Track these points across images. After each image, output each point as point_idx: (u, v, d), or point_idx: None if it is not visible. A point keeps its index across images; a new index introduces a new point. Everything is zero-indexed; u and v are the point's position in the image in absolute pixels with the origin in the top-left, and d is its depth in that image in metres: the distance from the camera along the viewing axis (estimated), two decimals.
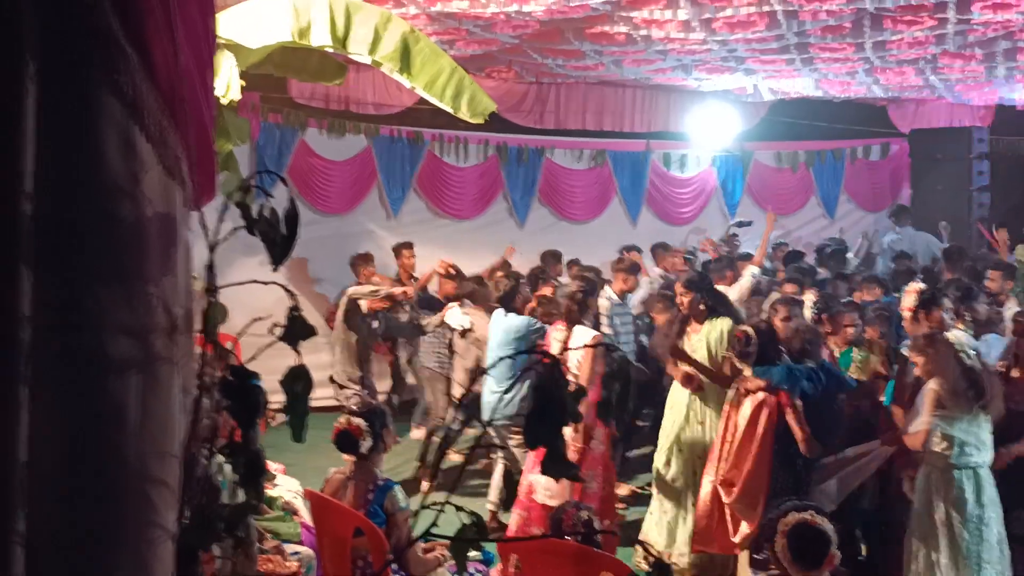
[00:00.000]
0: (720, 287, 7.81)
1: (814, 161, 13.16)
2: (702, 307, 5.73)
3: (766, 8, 6.65)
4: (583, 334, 5.66)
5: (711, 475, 5.07)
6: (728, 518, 4.97)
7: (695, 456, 5.57)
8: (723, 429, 5.03)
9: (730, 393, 5.12)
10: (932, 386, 4.53)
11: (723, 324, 5.66)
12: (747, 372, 4.95)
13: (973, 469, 4.48)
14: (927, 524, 4.50)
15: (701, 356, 5.65)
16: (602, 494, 5.50)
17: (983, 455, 4.52)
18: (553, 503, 5.26)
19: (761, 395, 4.84)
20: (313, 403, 1.62)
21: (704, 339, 5.69)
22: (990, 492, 4.50)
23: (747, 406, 4.88)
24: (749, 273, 7.74)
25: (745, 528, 4.86)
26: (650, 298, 7.52)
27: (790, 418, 4.71)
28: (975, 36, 7.75)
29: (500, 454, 6.44)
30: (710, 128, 11.67)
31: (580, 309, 5.74)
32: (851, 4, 6.53)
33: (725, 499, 4.90)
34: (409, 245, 8.89)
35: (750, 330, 5.04)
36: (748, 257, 8.80)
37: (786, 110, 12.31)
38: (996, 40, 7.93)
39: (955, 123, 12.70)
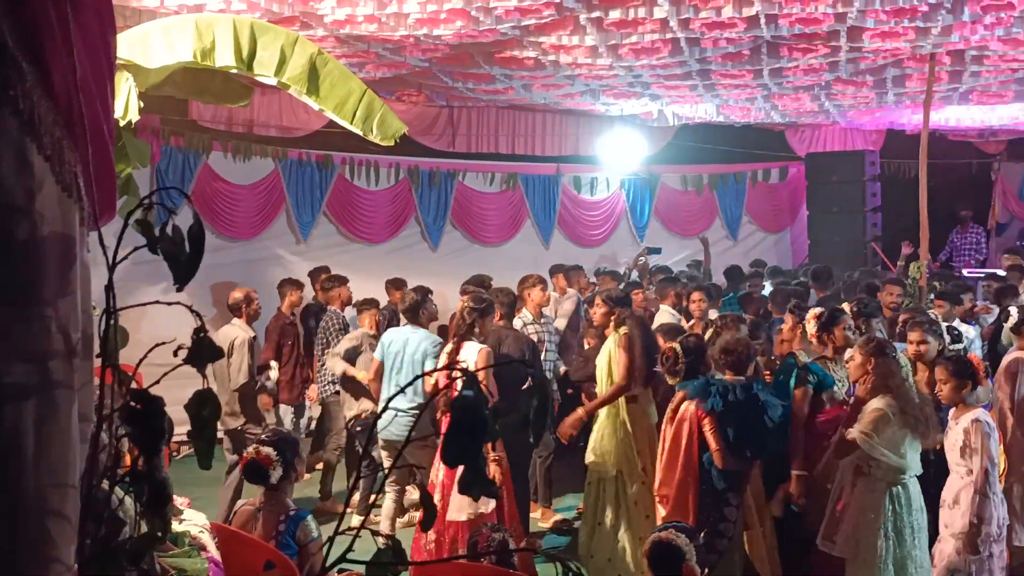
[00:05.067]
0: (665, 306, 7.99)
1: (717, 184, 13.56)
2: (613, 321, 5.82)
3: (669, 35, 6.84)
4: (471, 350, 5.70)
5: (641, 488, 5.16)
6: None
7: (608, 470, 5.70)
8: (660, 444, 5.13)
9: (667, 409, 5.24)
10: (878, 405, 4.65)
11: (614, 336, 5.77)
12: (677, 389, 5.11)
13: (911, 481, 4.70)
14: (871, 535, 4.64)
15: (601, 368, 5.79)
16: (509, 510, 5.52)
17: (917, 468, 4.73)
18: (462, 519, 5.26)
19: (684, 407, 4.96)
20: (222, 435, 1.57)
21: (607, 347, 5.82)
22: (920, 500, 4.72)
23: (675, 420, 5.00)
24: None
25: None
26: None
27: (705, 430, 4.81)
28: (866, 63, 8.13)
29: (391, 478, 6.34)
30: (618, 152, 11.91)
31: (470, 327, 5.77)
32: (749, 32, 6.77)
33: (663, 512, 4.99)
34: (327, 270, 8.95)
35: (678, 347, 5.15)
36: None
37: (690, 134, 12.65)
38: (885, 67, 8.33)
39: (848, 147, 13.28)
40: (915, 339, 5.51)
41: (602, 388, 5.80)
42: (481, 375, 4.95)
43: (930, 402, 4.82)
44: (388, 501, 6.42)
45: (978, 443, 4.55)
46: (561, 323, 8.45)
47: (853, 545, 4.70)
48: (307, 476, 7.66)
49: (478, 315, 5.77)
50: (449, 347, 5.86)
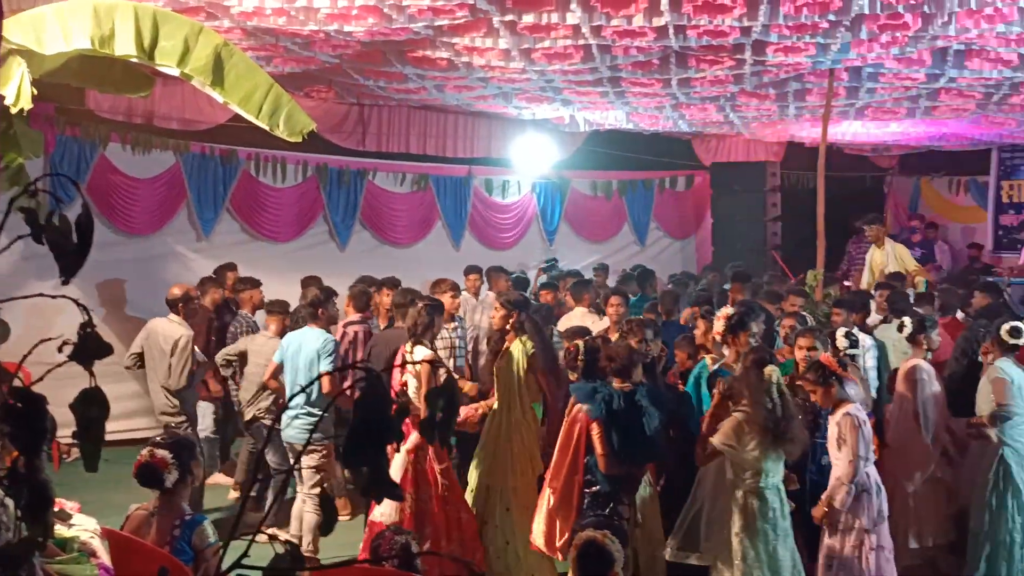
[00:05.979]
0: (581, 308, 8.04)
1: (626, 190, 13.78)
2: (510, 325, 5.85)
3: (581, 41, 6.91)
4: (420, 355, 5.67)
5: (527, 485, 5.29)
6: (557, 524, 5.14)
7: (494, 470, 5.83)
8: (561, 439, 5.19)
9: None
10: (737, 414, 4.78)
11: (524, 343, 5.81)
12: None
13: (769, 489, 4.81)
14: (736, 541, 4.74)
15: (510, 374, 5.83)
16: (446, 514, 5.47)
17: (778, 476, 4.86)
18: (386, 520, 5.23)
19: (576, 408, 5.05)
20: (116, 436, 1.50)
21: (510, 355, 5.86)
22: (782, 506, 4.85)
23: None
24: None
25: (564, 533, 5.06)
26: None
27: (593, 434, 4.89)
28: (769, 77, 8.38)
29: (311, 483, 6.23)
30: (530, 156, 11.99)
31: (423, 329, 5.73)
32: (658, 42, 6.90)
33: (551, 504, 5.10)
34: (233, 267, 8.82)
35: (581, 344, 5.26)
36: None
37: (601, 141, 12.82)
38: (787, 81, 8.61)
39: (751, 158, 13.69)
40: (805, 345, 5.66)
41: (508, 394, 5.82)
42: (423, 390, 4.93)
43: (794, 416, 4.82)
44: (297, 504, 6.26)
45: (847, 434, 4.77)
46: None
47: (716, 552, 4.84)
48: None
49: (437, 313, 5.80)
50: (408, 346, 5.81)
